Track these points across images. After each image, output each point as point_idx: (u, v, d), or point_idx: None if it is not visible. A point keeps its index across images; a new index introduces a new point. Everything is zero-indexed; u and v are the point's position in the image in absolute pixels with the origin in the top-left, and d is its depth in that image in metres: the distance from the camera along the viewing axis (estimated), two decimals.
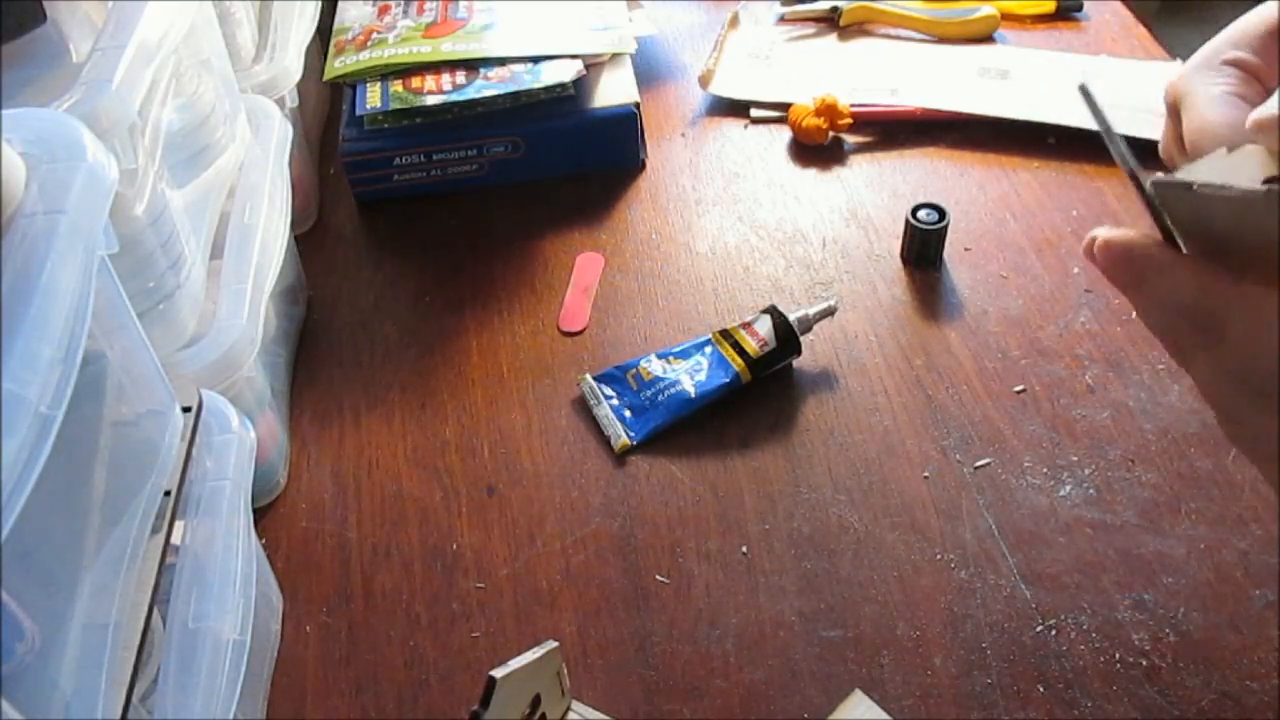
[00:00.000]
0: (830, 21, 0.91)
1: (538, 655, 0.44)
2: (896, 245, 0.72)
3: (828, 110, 0.78)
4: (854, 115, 0.79)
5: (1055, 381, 0.63)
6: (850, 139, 0.81)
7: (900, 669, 0.51)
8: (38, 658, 0.34)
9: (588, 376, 0.65)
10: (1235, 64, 0.43)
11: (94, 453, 0.39)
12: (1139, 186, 0.37)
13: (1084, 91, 0.38)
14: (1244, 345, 0.35)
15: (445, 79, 0.75)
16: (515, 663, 0.41)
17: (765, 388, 0.64)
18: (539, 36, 0.78)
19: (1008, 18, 0.90)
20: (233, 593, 0.44)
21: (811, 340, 0.65)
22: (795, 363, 0.65)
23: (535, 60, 0.76)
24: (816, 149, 0.80)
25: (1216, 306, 0.36)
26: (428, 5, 0.82)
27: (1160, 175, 0.36)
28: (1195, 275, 0.36)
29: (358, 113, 0.75)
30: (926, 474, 0.59)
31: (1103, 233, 0.39)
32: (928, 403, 0.63)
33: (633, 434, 0.62)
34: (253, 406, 0.57)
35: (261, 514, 0.60)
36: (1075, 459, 0.59)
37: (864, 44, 0.89)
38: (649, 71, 0.89)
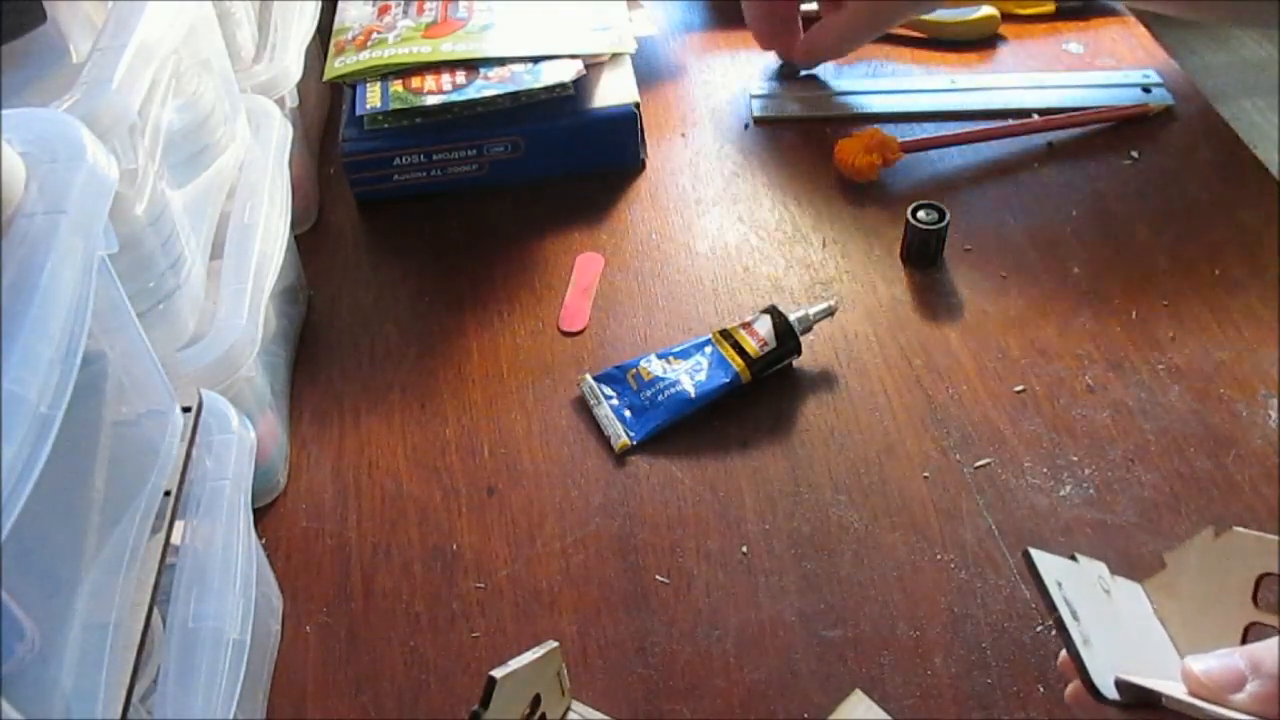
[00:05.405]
0: None
1: (538, 655, 0.44)
2: (896, 245, 0.72)
3: (879, 145, 0.76)
4: (904, 146, 0.77)
5: (1055, 381, 0.63)
6: None
7: (900, 669, 0.51)
8: (38, 658, 0.34)
9: (588, 376, 0.65)
10: None
11: (94, 453, 0.39)
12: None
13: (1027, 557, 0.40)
14: None
15: (445, 79, 0.75)
16: (515, 663, 0.41)
17: (765, 388, 0.64)
18: (539, 36, 0.78)
19: (1008, 18, 0.90)
20: (233, 593, 0.44)
21: (811, 340, 0.65)
22: (795, 363, 0.65)
23: (535, 60, 0.76)
24: (816, 149, 0.80)
25: None
26: (428, 5, 0.82)
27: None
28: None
29: (358, 113, 0.75)
30: (926, 474, 0.59)
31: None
32: (928, 403, 0.63)
33: (633, 434, 0.62)
34: (253, 406, 0.57)
35: (261, 514, 0.60)
36: (1075, 459, 0.59)
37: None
38: (649, 71, 0.89)
